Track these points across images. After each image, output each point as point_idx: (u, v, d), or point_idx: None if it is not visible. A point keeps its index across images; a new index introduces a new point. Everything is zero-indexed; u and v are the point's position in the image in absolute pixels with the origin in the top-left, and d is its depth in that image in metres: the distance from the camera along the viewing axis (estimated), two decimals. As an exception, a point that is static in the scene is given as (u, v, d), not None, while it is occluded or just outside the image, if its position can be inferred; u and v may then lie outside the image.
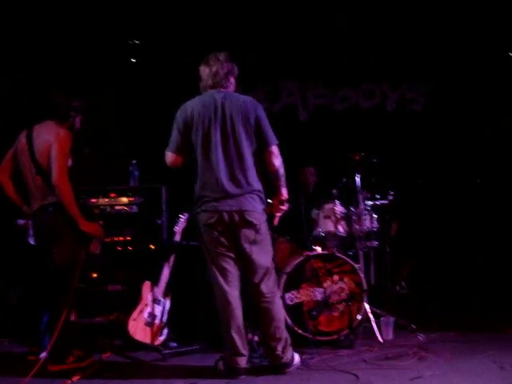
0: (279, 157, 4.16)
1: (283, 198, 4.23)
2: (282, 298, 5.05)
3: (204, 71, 4.25)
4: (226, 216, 4.07)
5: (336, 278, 5.32)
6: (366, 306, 5.25)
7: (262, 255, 4.18)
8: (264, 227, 4.19)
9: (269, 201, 4.32)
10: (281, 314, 4.27)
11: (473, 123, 7.49)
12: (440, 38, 7.42)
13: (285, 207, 4.27)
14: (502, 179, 7.28)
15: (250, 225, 4.10)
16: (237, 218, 4.07)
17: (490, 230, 7.05)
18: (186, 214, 5.24)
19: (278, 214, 4.32)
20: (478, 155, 7.39)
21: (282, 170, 4.18)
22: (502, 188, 7.26)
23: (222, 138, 4.08)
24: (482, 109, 7.49)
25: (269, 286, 4.19)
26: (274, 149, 4.15)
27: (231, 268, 4.17)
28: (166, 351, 4.88)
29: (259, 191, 4.17)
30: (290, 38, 7.37)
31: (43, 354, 4.39)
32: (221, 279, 4.15)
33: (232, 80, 4.27)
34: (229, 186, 4.07)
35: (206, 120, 4.10)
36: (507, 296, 6.30)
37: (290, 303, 5.20)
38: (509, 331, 5.39)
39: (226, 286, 4.14)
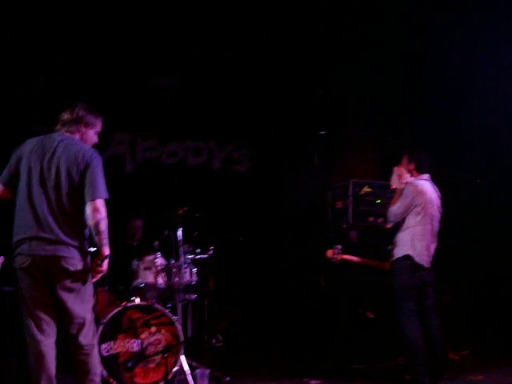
0: (101, 212, 3.99)
1: (101, 257, 4.02)
2: (98, 348, 4.98)
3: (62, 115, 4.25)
4: (40, 260, 3.94)
5: (153, 329, 5.35)
6: (183, 358, 5.32)
7: (79, 304, 4.05)
8: (81, 275, 4.06)
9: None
10: (97, 368, 4.16)
11: (291, 184, 8.00)
12: (261, 106, 7.91)
13: (103, 267, 4.06)
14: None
15: (66, 272, 3.97)
16: (52, 263, 3.95)
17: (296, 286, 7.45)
18: (2, 257, 5.02)
19: (97, 275, 4.12)
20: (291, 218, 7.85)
21: (102, 226, 3.99)
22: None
23: (45, 181, 4.00)
24: (299, 169, 8.03)
25: (87, 338, 4.09)
26: (98, 202, 3.99)
27: (46, 316, 4.01)
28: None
29: (76, 246, 4.03)
30: (121, 89, 7.45)
31: None
32: (34, 327, 3.98)
33: (83, 129, 4.22)
34: (46, 231, 3.95)
35: (35, 160, 4.03)
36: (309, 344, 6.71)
37: (106, 354, 5.14)
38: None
39: (39, 335, 3.98)
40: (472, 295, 7.36)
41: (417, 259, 5.46)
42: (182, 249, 5.83)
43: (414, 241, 5.49)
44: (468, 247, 7.54)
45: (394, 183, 5.80)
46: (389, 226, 5.83)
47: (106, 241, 4.02)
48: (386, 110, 7.94)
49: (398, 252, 5.59)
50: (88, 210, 3.98)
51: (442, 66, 7.32)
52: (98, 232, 3.98)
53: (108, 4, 6.47)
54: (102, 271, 4.08)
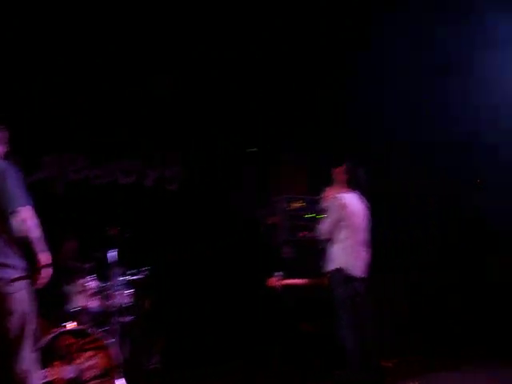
0: (29, 219, 3.82)
1: (39, 265, 3.87)
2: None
3: None
4: None
5: (89, 354, 5.25)
6: (120, 382, 5.23)
7: (4, 328, 3.83)
8: (21, 297, 3.86)
9: None
10: None
11: (224, 202, 8.04)
12: (193, 125, 7.94)
13: (45, 276, 3.91)
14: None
15: (3, 296, 3.78)
16: None
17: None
18: None
19: (39, 285, 3.97)
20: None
21: (33, 233, 3.82)
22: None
23: None
24: (232, 187, 8.09)
25: (21, 365, 3.88)
26: (22, 211, 3.81)
27: None
28: None
29: (6, 265, 3.85)
30: (48, 112, 7.33)
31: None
32: None
33: None
34: None
35: None
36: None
37: (41, 382, 5.00)
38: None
39: None
40: (398, 304, 7.56)
41: (349, 271, 5.57)
42: (115, 270, 5.76)
43: (345, 253, 5.60)
44: (400, 255, 7.76)
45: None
46: (322, 240, 5.94)
47: (41, 247, 3.87)
48: (317, 128, 8.09)
49: (331, 266, 5.69)
50: (14, 221, 3.82)
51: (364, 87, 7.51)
52: (31, 240, 3.83)
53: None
54: (42, 280, 3.92)
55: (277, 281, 6.17)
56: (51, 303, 5.48)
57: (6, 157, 4.13)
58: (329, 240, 5.76)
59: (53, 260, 6.20)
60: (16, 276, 3.86)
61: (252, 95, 7.96)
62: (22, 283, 3.89)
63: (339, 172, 5.87)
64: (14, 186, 3.89)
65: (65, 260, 6.65)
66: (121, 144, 7.87)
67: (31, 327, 3.94)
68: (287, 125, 8.21)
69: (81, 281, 5.67)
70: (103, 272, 5.80)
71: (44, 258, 3.88)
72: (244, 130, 8.20)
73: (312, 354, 6.69)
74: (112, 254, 5.78)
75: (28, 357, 3.95)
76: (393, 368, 6.63)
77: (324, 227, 5.72)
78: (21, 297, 3.88)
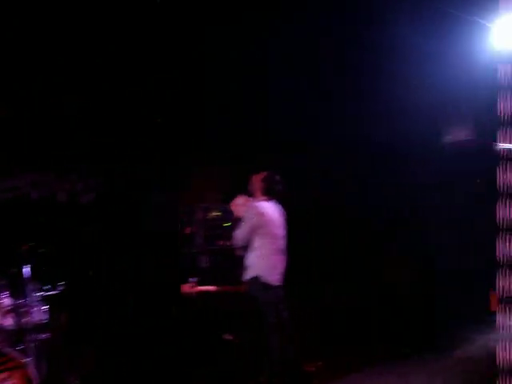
0: None
1: None
2: None
3: None
4: None
5: (4, 375, 5.06)
6: (37, 403, 5.08)
7: None
8: None
9: None
10: None
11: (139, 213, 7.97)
12: (102, 135, 7.84)
13: None
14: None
15: None
16: None
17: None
18: None
19: None
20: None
21: None
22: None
23: None
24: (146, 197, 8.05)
25: None
26: None
27: None
28: None
29: None
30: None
31: None
32: None
33: None
34: None
35: None
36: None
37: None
38: None
39: None
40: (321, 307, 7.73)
41: (265, 279, 5.63)
42: (29, 286, 5.60)
43: (261, 261, 5.66)
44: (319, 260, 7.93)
45: (238, 212, 5.97)
46: (238, 248, 5.98)
47: None
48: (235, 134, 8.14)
49: (249, 274, 5.74)
50: None
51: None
52: None
53: None
54: None
55: (191, 287, 6.13)
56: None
57: None
58: (245, 248, 5.81)
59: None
60: None
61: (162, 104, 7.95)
62: None
63: (257, 180, 5.94)
64: None
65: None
66: (30, 156, 7.64)
67: None
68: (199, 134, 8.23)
69: (-7, 298, 5.47)
70: (17, 288, 5.63)
71: None
72: (156, 136, 8.14)
73: (235, 364, 6.71)
74: (26, 270, 5.61)
75: None
76: (316, 372, 6.76)
77: (239, 234, 5.76)
78: None
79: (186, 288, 6.10)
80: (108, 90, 7.50)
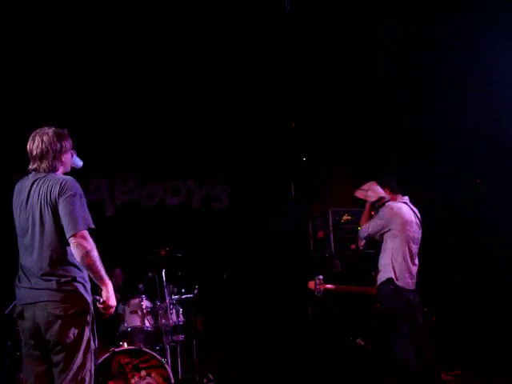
0: (85, 245, 3.57)
1: (103, 302, 3.66)
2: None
3: (29, 150, 3.85)
4: (26, 308, 3.68)
5: (143, 373, 5.31)
6: (174, 401, 5.29)
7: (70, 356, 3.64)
8: (73, 320, 3.63)
9: None
10: None
11: (271, 218, 8.05)
12: (236, 141, 8.05)
13: (107, 303, 3.67)
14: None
15: (54, 318, 3.60)
16: (37, 311, 3.63)
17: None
18: None
19: (107, 312, 3.73)
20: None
21: (89, 260, 3.56)
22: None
23: (31, 224, 3.72)
24: (278, 201, 8.13)
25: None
26: (79, 236, 3.57)
27: (40, 368, 3.69)
28: None
29: (70, 279, 3.64)
30: (97, 132, 7.47)
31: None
32: (31, 381, 3.70)
33: (59, 161, 3.84)
34: (34, 277, 3.67)
35: (18, 206, 3.79)
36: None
37: (96, 402, 5.07)
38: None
39: None
40: (458, 315, 7.41)
41: (399, 282, 5.47)
42: (166, 290, 5.83)
43: (394, 264, 5.50)
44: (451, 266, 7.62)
45: (364, 195, 5.82)
46: (362, 244, 5.85)
47: (99, 274, 3.62)
48: (360, 138, 8.05)
49: (381, 277, 5.59)
50: (72, 247, 3.59)
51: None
52: (88, 268, 3.61)
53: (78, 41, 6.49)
54: (108, 307, 3.69)
55: (317, 284, 6.03)
56: (106, 323, 5.56)
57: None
58: (379, 250, 5.68)
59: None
60: (69, 300, 3.65)
61: (294, 109, 7.99)
62: (75, 308, 3.67)
63: (376, 184, 5.80)
64: (70, 206, 3.66)
65: (117, 285, 6.73)
66: (168, 164, 7.96)
67: (84, 356, 3.70)
68: (330, 137, 8.19)
69: (134, 301, 5.75)
70: (155, 292, 5.87)
71: (103, 284, 3.67)
72: (288, 143, 8.19)
73: (366, 370, 6.62)
74: (162, 274, 5.84)
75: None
76: (453, 381, 6.50)
77: (367, 230, 5.62)
78: (74, 321, 3.66)
79: (311, 285, 6.03)
80: (245, 98, 7.67)
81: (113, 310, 3.74)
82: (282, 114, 8.01)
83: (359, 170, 8.19)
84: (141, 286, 5.92)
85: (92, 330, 3.73)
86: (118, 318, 5.72)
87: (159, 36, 6.56)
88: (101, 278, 3.65)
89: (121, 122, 7.62)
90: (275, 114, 7.98)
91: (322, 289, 6.01)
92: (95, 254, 3.62)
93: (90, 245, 3.61)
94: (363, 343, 6.85)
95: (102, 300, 3.66)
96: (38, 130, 3.87)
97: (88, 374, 3.69)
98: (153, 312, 5.78)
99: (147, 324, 5.71)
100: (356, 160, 8.30)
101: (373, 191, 5.76)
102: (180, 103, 7.62)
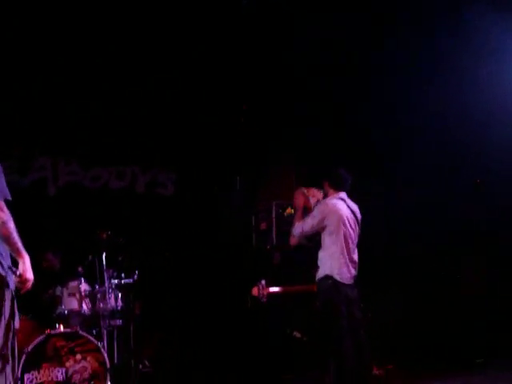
0: (1, 215, 3.46)
1: (19, 275, 3.53)
2: (22, 378, 4.85)
3: None
4: None
5: (79, 357, 5.27)
6: (109, 385, 5.26)
7: None
8: None
9: None
10: None
11: (215, 207, 8.08)
12: (184, 129, 8.00)
13: (25, 276, 3.55)
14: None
15: None
16: None
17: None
18: None
19: (24, 286, 3.60)
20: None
21: (4, 230, 3.46)
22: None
23: None
24: (222, 193, 8.18)
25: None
26: None
27: None
28: None
29: None
30: (45, 113, 7.34)
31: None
32: None
33: None
34: None
35: None
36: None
37: (30, 384, 5.01)
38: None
39: None
40: (392, 310, 7.60)
41: (337, 277, 5.56)
42: (106, 274, 5.79)
43: (333, 260, 5.58)
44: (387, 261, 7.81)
45: (298, 202, 5.90)
46: (294, 242, 5.91)
47: (16, 246, 3.52)
48: (305, 132, 8.13)
49: (320, 273, 5.68)
50: None
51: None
52: (4, 239, 3.49)
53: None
54: (25, 281, 3.56)
55: (260, 290, 6.11)
56: (42, 305, 5.50)
57: None
58: (318, 247, 5.76)
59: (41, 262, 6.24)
60: None
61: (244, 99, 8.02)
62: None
63: (322, 178, 5.86)
64: None
65: (53, 268, 6.62)
66: (113, 148, 7.86)
67: (5, 335, 3.55)
68: (277, 130, 8.25)
69: (72, 284, 5.69)
70: (94, 275, 5.83)
71: (21, 256, 3.55)
72: (235, 135, 8.22)
73: (302, 362, 6.73)
74: (103, 258, 5.80)
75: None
76: (384, 375, 6.66)
77: (301, 227, 5.67)
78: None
79: (255, 291, 6.10)
80: (193, 86, 7.64)
81: (29, 284, 3.60)
82: (233, 104, 8.03)
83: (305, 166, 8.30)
84: (80, 268, 5.84)
85: (11, 308, 3.57)
86: (55, 299, 5.65)
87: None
88: (18, 250, 3.53)
89: (70, 104, 7.47)
90: (226, 105, 7.99)
91: (265, 293, 6.08)
92: (12, 225, 3.51)
93: (7, 216, 3.49)
94: (299, 335, 6.96)
95: (18, 273, 3.53)
96: None
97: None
98: (91, 295, 5.72)
99: (85, 307, 5.66)
100: (304, 156, 8.39)
101: (313, 196, 5.84)
102: (130, 88, 7.52)
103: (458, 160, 7.99)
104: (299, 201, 5.86)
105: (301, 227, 5.65)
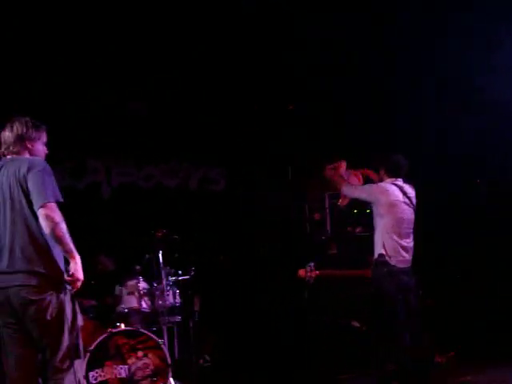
0: (54, 217, 3.55)
1: (71, 274, 3.64)
2: (86, 376, 4.97)
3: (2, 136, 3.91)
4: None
5: (140, 354, 5.35)
6: (171, 381, 5.32)
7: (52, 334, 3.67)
8: (50, 303, 3.63)
9: None
10: None
11: (268, 200, 8.07)
12: (233, 125, 8.04)
13: (75, 276, 3.63)
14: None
15: (29, 302, 3.61)
16: (12, 295, 3.62)
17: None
18: None
19: (75, 285, 3.69)
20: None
21: (58, 232, 3.55)
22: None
23: (4, 208, 3.73)
24: (275, 184, 8.15)
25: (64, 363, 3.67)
26: (45, 207, 3.56)
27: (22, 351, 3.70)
28: None
29: (34, 272, 3.63)
30: (94, 116, 7.44)
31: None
32: (11, 364, 3.70)
33: (29, 145, 3.86)
34: (5, 260, 3.67)
35: None
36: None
37: (94, 382, 5.12)
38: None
39: (14, 373, 3.69)
40: (454, 298, 7.46)
41: (391, 260, 5.46)
42: (163, 271, 5.85)
43: (385, 242, 5.50)
44: (448, 249, 7.66)
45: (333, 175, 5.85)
46: (345, 203, 5.86)
47: (69, 247, 3.61)
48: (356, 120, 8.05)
49: (374, 254, 5.60)
50: (41, 219, 3.58)
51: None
52: (58, 240, 3.58)
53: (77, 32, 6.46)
54: (76, 280, 3.65)
55: (307, 271, 6.04)
56: (103, 305, 5.60)
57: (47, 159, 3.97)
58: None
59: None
60: (44, 283, 3.65)
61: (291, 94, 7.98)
62: (54, 290, 3.68)
63: (378, 163, 5.79)
64: (43, 179, 3.68)
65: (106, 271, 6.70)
66: (165, 146, 7.94)
67: (71, 335, 3.71)
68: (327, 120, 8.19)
69: (131, 282, 5.78)
70: (152, 273, 5.91)
71: (73, 257, 3.63)
72: (285, 128, 8.18)
73: (362, 351, 6.65)
74: (159, 256, 5.87)
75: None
76: (446, 363, 6.56)
77: (352, 190, 5.62)
78: (50, 304, 3.66)
79: (302, 273, 6.04)
80: (240, 83, 7.66)
81: (79, 283, 3.69)
82: (280, 98, 7.99)
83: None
84: (138, 267, 5.94)
85: (73, 310, 3.74)
86: (115, 299, 5.76)
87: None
88: (70, 251, 3.63)
89: (119, 106, 7.57)
90: (273, 98, 7.96)
91: (313, 276, 6.03)
92: (64, 226, 3.61)
93: (59, 217, 3.60)
94: (358, 325, 6.89)
95: (70, 272, 3.64)
96: (14, 119, 3.92)
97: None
98: (150, 293, 5.79)
99: (144, 305, 5.74)
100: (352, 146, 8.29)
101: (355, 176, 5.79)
102: (177, 88, 7.58)
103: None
104: (343, 169, 5.82)
105: (354, 190, 5.65)
